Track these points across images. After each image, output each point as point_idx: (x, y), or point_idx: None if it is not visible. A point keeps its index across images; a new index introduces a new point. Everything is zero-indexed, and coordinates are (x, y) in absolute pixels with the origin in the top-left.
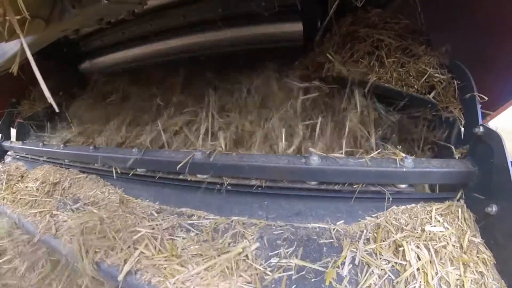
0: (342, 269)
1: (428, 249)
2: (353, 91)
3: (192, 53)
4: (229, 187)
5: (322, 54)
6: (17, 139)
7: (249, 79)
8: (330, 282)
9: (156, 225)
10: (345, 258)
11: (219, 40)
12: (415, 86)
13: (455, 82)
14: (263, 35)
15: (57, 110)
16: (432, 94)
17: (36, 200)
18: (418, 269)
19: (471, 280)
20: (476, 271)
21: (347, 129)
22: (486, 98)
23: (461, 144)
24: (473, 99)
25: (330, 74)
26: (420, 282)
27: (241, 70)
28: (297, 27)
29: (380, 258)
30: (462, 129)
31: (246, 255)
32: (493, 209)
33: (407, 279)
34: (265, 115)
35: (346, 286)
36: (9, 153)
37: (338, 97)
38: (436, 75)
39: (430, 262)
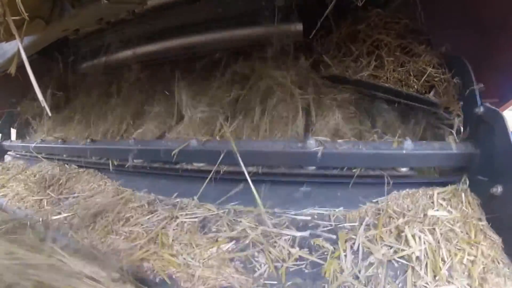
0: (343, 257)
1: (433, 234)
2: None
3: (191, 53)
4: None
5: (320, 54)
6: (17, 138)
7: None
8: (330, 272)
9: (150, 216)
10: (345, 246)
11: (219, 40)
12: (415, 86)
13: (455, 81)
14: (263, 35)
15: (49, 114)
16: (432, 93)
17: (32, 193)
18: (422, 255)
19: (480, 265)
20: (484, 255)
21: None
22: (482, 85)
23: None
24: (471, 84)
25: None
26: (426, 268)
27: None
28: (297, 27)
29: (382, 244)
30: (461, 126)
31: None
32: (498, 189)
33: (412, 265)
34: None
35: (346, 275)
36: (9, 152)
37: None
38: (436, 74)
39: (436, 247)
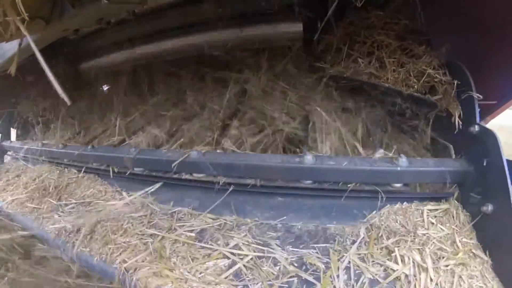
0: (335, 276)
1: (422, 253)
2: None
3: (190, 53)
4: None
5: (321, 55)
6: (17, 139)
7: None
8: None
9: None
10: (337, 264)
11: (218, 40)
12: (415, 86)
13: (455, 83)
14: (263, 34)
15: (68, 103)
16: (435, 97)
17: (31, 198)
18: (411, 275)
19: (467, 284)
20: (472, 274)
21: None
22: (481, 97)
23: (459, 143)
24: (471, 99)
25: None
26: (414, 287)
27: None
28: (297, 27)
29: (373, 264)
30: (460, 124)
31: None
32: (488, 208)
33: (401, 284)
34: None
35: None
36: (8, 153)
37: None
38: (436, 75)
39: (424, 267)
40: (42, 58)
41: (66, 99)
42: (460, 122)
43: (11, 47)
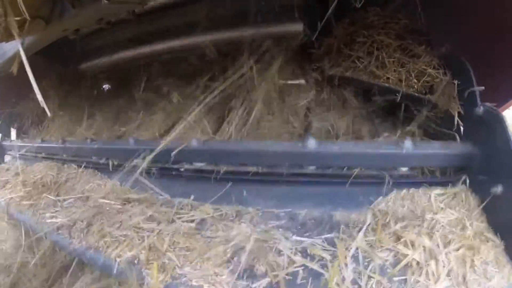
0: (343, 265)
1: (431, 238)
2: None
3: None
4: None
5: (320, 55)
6: (17, 138)
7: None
8: (332, 281)
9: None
10: (345, 253)
11: (218, 40)
12: (415, 86)
13: (455, 82)
14: (262, 35)
15: (49, 114)
16: (434, 95)
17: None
18: (422, 260)
19: (480, 268)
20: (485, 258)
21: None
22: (483, 88)
23: (464, 128)
24: (471, 84)
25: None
26: (427, 273)
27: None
28: (297, 27)
29: (382, 250)
30: (461, 127)
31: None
32: (498, 189)
33: (412, 270)
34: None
35: (349, 284)
36: (8, 152)
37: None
38: (437, 75)
39: (435, 252)
40: (28, 64)
41: (46, 109)
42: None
43: (11, 47)
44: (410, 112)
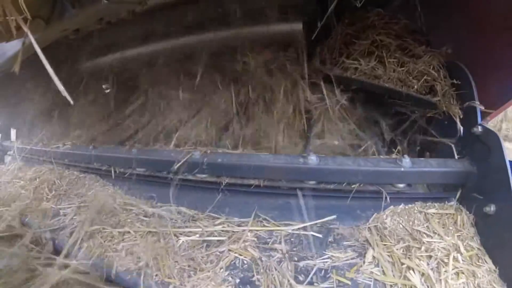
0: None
1: (429, 262)
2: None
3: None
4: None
5: (319, 55)
6: (17, 139)
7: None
8: None
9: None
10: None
11: (217, 40)
12: (415, 86)
13: (455, 82)
14: (262, 34)
15: (71, 102)
16: (435, 97)
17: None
18: (421, 285)
19: None
20: (479, 281)
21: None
22: (483, 108)
23: (460, 143)
24: (472, 97)
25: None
26: None
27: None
28: (297, 27)
29: (379, 272)
30: (461, 128)
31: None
32: (491, 208)
33: None
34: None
35: None
36: (9, 152)
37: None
38: (436, 75)
39: (433, 276)
40: (44, 57)
41: (69, 98)
42: (460, 126)
43: (11, 47)
44: (405, 115)
